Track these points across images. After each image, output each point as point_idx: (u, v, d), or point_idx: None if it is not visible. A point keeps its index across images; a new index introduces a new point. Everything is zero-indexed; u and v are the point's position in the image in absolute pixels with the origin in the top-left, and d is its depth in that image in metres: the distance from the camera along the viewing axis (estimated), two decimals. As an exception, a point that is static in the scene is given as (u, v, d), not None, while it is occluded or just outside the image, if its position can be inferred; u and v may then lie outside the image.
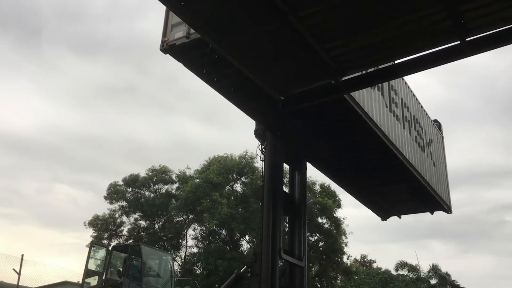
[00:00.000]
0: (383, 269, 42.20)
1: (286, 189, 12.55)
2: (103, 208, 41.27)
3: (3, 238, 54.80)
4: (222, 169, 33.73)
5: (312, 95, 9.56)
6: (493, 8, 6.93)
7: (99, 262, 14.13)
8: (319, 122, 11.34)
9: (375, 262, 45.57)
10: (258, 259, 11.67)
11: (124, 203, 35.09)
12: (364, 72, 9.12)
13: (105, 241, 32.91)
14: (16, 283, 17.26)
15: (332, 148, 12.22)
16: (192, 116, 79.05)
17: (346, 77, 8.85)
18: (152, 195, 35.82)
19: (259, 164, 14.36)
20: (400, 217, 15.54)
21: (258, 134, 12.24)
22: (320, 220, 37.82)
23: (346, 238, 38.03)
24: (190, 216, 34.55)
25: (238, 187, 35.95)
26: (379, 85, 11.44)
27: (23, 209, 67.51)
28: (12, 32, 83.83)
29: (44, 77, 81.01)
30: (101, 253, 14.22)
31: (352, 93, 10.03)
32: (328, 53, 7.84)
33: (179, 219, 34.78)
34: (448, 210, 14.81)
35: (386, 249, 69.39)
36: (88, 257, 13.94)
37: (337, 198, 35.32)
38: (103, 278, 13.77)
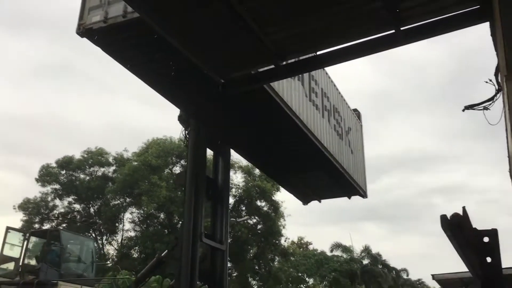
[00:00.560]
0: (319, 251, 43.64)
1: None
2: (34, 191, 40.08)
3: None
4: (161, 152, 33.54)
5: (251, 79, 9.69)
6: None
7: (15, 247, 13.86)
8: (240, 110, 11.60)
9: (311, 244, 47.02)
10: (179, 243, 11.96)
11: (57, 186, 34.23)
12: (302, 57, 9.30)
13: (37, 225, 32.12)
14: None
15: (253, 135, 12.56)
16: (131, 98, 77.42)
17: (285, 62, 9.02)
18: (87, 177, 35.09)
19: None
20: (320, 201, 16.20)
21: (181, 119, 12.42)
22: (259, 203, 38.47)
23: (284, 220, 38.95)
24: (128, 200, 34.24)
25: (177, 170, 35.87)
26: (300, 75, 11.84)
27: None
28: None
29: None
30: (18, 238, 13.94)
31: (271, 83, 10.34)
32: (269, 37, 7.94)
33: (116, 202, 34.39)
34: (364, 195, 15.59)
35: (322, 232, 71.67)
36: (4, 243, 13.64)
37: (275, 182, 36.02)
38: (20, 264, 13.57)
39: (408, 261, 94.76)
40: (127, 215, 35.05)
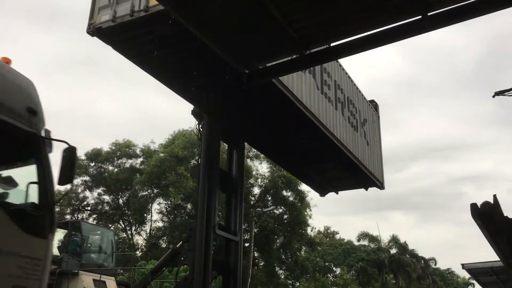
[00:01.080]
0: (345, 240, 43.57)
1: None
2: (65, 183, 41.03)
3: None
4: (187, 143, 33.91)
5: (276, 69, 9.62)
6: None
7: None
8: (253, 104, 11.73)
9: (338, 233, 46.98)
10: (193, 235, 12.23)
11: (87, 178, 35.11)
12: (328, 45, 9.08)
13: (68, 216, 33.07)
14: None
15: (266, 129, 12.69)
16: (157, 90, 78.29)
17: (310, 51, 8.83)
18: (116, 169, 35.85)
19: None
20: (337, 193, 16.22)
21: (195, 113, 12.63)
22: (285, 193, 38.54)
23: (310, 210, 38.96)
24: (155, 191, 34.81)
25: (204, 161, 36.18)
26: (311, 68, 11.84)
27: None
28: None
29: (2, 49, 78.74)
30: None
31: (281, 77, 10.40)
32: (292, 26, 7.84)
33: (144, 193, 35.02)
34: (381, 186, 15.51)
35: (349, 221, 71.50)
36: (27, 234, 14.10)
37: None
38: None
39: (436, 251, 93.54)
40: (155, 206, 35.73)
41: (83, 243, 14.29)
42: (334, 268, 41.46)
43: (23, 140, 4.95)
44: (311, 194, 36.86)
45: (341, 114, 13.15)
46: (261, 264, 37.35)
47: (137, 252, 34.03)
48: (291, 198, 38.81)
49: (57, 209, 23.73)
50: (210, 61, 10.06)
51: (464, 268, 14.54)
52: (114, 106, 72.14)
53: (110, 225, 35.29)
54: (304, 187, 36.27)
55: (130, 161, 36.34)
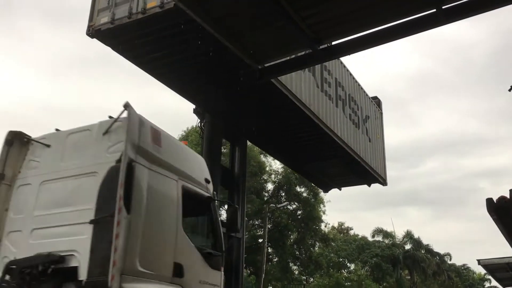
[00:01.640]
0: (360, 236, 43.45)
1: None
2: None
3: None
4: (200, 140, 33.96)
5: (288, 64, 9.52)
6: None
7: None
8: (253, 103, 11.90)
9: (352, 229, 46.78)
10: (194, 231, 12.48)
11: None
12: (341, 40, 8.83)
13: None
14: None
15: (268, 127, 12.85)
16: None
17: (323, 46, 8.58)
18: (129, 166, 36.16)
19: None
20: (340, 189, 16.31)
21: (197, 112, 12.87)
22: (298, 189, 38.54)
23: (324, 206, 38.83)
24: (169, 187, 35.11)
25: (217, 157, 36.38)
26: (311, 67, 11.93)
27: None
28: None
29: (16, 48, 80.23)
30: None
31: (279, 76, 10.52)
32: (305, 21, 7.75)
33: (158, 190, 35.33)
34: (383, 182, 15.55)
35: (363, 217, 70.97)
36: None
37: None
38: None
39: (452, 247, 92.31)
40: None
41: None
42: (348, 264, 41.40)
43: (204, 202, 6.67)
44: (325, 190, 36.83)
45: (342, 112, 13.24)
46: (275, 260, 37.50)
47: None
48: (304, 194, 38.76)
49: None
50: (213, 60, 10.24)
51: (480, 264, 14.46)
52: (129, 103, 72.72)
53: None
54: (317, 183, 36.25)
55: (143, 157, 36.54)
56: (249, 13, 7.89)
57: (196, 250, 6.18)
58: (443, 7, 7.37)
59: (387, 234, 41.40)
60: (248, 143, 14.93)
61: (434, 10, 7.47)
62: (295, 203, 38.96)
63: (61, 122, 69.16)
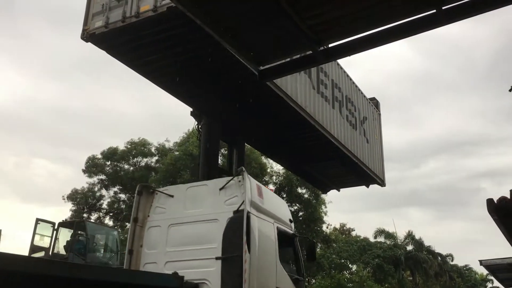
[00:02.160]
0: (361, 237, 43.34)
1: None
2: (82, 182, 41.82)
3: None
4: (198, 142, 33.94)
5: (288, 66, 9.67)
6: None
7: (45, 238, 14.82)
8: (249, 106, 11.89)
9: (354, 230, 46.66)
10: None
11: (103, 177, 35.46)
12: (341, 41, 9.19)
13: (85, 215, 33.60)
14: None
15: (264, 128, 12.88)
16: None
17: (323, 47, 8.92)
18: (131, 168, 36.13)
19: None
20: (339, 191, 16.29)
21: (194, 114, 12.88)
22: (299, 190, 38.52)
23: (326, 207, 38.80)
24: (170, 189, 35.06)
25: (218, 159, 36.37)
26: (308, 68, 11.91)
27: (2, 184, 67.96)
28: None
29: (19, 50, 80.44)
30: (48, 229, 14.87)
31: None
32: (305, 22, 7.96)
33: (159, 192, 35.29)
34: (381, 183, 15.54)
35: (365, 218, 71.01)
36: (34, 233, 14.62)
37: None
38: (50, 253, 14.50)
39: (454, 247, 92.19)
40: (171, 204, 35.94)
41: (88, 242, 14.65)
42: (350, 265, 41.29)
43: (290, 238, 8.33)
44: (326, 191, 36.80)
45: (338, 113, 13.23)
46: (277, 261, 37.42)
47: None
48: (306, 195, 38.74)
49: (73, 208, 24.07)
50: (210, 63, 10.21)
51: (482, 265, 14.41)
52: (129, 105, 72.99)
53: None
54: (318, 184, 36.20)
55: (145, 159, 36.51)
56: (249, 15, 7.88)
57: (288, 276, 7.86)
58: (443, 8, 7.34)
59: (389, 235, 41.31)
60: (247, 145, 15.00)
61: (435, 10, 7.45)
62: (297, 204, 38.95)
63: (65, 124, 69.29)
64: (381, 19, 7.94)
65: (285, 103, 11.23)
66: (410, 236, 41.21)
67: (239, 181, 7.51)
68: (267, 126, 12.84)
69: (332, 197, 40.45)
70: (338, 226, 45.44)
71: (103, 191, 35.91)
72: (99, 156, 35.48)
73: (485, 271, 33.67)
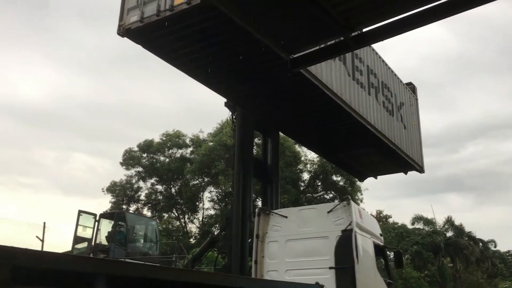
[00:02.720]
0: (399, 224, 42.77)
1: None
2: (120, 174, 42.73)
3: (27, 208, 57.49)
4: (232, 133, 34.09)
5: (320, 53, 9.28)
6: None
7: (88, 229, 15.24)
8: (284, 95, 11.86)
9: (391, 217, 46.09)
10: (230, 223, 12.61)
11: (140, 169, 36.11)
12: (373, 26, 8.45)
13: (124, 206, 34.36)
14: (40, 250, 18.54)
15: (298, 117, 12.81)
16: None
17: (356, 33, 8.33)
18: (167, 159, 36.67)
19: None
20: (376, 178, 16.08)
21: (228, 105, 12.96)
22: (335, 177, 38.27)
23: (362, 194, 38.49)
24: (206, 179, 35.43)
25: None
26: (342, 55, 11.76)
27: (44, 178, 70.12)
28: (19, 4, 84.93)
29: (55, 48, 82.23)
30: (90, 220, 15.29)
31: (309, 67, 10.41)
32: (335, 8, 7.63)
33: (195, 182, 35.74)
34: (420, 170, 15.24)
35: (402, 205, 69.77)
36: (77, 225, 15.07)
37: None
38: (92, 244, 14.93)
39: (495, 233, 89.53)
40: (206, 194, 36.38)
41: (128, 232, 15.00)
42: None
43: (381, 249, 9.85)
44: (362, 178, 36.37)
45: (375, 99, 13.02)
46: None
47: (191, 240, 34.90)
48: (341, 183, 38.46)
49: (113, 199, 24.72)
50: (242, 53, 10.22)
51: None
52: (163, 99, 73.77)
53: (165, 214, 36.35)
54: (354, 171, 35.80)
55: (180, 151, 37.00)
56: (278, 4, 7.82)
57: (383, 282, 9.35)
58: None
59: (427, 222, 40.61)
60: (281, 134, 14.97)
61: None
62: (332, 192, 38.72)
63: (101, 119, 70.71)
64: (413, 2, 7.77)
65: (320, 91, 11.13)
66: (449, 222, 40.44)
67: (344, 206, 8.99)
68: (301, 115, 12.78)
69: (367, 184, 40.00)
70: (374, 213, 44.99)
71: (141, 183, 36.64)
72: (136, 148, 36.14)
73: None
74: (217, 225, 35.45)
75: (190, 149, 36.94)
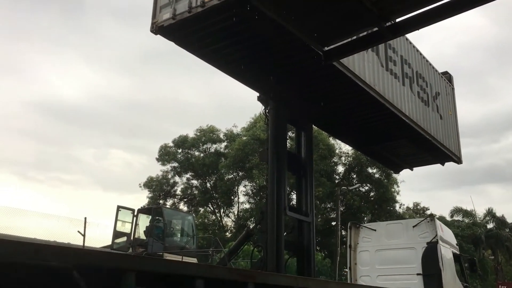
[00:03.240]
0: (437, 216, 42.00)
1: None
2: (157, 170, 43.44)
3: (68, 203, 59.22)
4: (266, 127, 34.17)
5: (353, 44, 9.32)
6: None
7: (126, 224, 15.60)
8: (316, 88, 11.83)
9: (429, 209, 45.39)
10: (265, 217, 12.66)
11: (175, 164, 36.73)
12: (407, 16, 8.42)
13: (161, 201, 34.99)
14: (81, 244, 19.13)
15: (331, 110, 12.72)
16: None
17: (390, 23, 8.34)
18: (201, 154, 37.13)
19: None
20: (412, 170, 15.83)
21: (261, 99, 12.98)
22: (370, 170, 37.91)
23: (398, 187, 38.02)
24: (240, 173, 35.71)
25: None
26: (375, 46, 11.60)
27: (84, 175, 72.05)
28: (55, 4, 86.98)
29: (91, 47, 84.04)
30: (128, 215, 15.64)
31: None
32: None
33: (230, 176, 36.07)
34: (458, 161, 14.91)
35: (440, 196, 68.40)
36: (116, 220, 15.45)
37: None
38: (131, 238, 15.27)
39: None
40: (241, 188, 36.71)
41: (166, 227, 15.28)
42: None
43: (457, 257, 11.44)
44: (398, 170, 35.84)
45: (409, 90, 12.81)
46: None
47: (227, 234, 35.24)
48: (376, 175, 38.09)
49: (150, 195, 25.30)
50: (274, 47, 10.24)
51: None
52: (197, 94, 74.50)
53: (201, 209, 36.82)
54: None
55: (214, 145, 37.45)
56: None
57: (462, 286, 11.04)
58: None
59: (466, 213, 39.84)
60: (315, 127, 14.89)
61: None
62: (367, 184, 38.41)
63: (136, 116, 72.05)
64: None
65: (352, 82, 11.02)
66: (490, 213, 39.50)
67: (428, 221, 10.67)
68: (334, 107, 12.69)
69: (404, 176, 39.40)
70: (411, 206, 44.34)
71: (176, 178, 37.24)
72: (171, 144, 36.71)
73: None
74: (252, 218, 35.69)
75: (224, 143, 37.30)
